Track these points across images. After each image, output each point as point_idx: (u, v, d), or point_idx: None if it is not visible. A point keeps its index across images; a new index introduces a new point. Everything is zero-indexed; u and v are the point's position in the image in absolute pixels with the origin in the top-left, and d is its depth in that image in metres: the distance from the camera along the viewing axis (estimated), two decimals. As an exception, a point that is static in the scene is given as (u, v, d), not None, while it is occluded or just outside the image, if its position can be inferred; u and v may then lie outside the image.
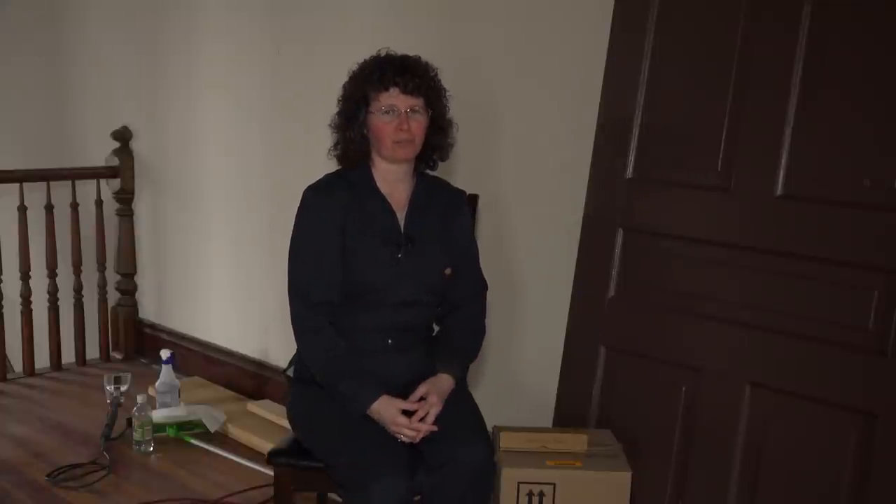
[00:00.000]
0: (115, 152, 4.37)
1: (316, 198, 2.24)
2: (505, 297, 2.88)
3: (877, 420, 2.13)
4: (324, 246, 2.20)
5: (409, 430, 2.11)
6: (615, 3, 2.58)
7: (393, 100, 2.17)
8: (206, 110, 4.02)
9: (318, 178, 2.30)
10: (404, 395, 2.21)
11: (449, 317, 2.34)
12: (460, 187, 2.41)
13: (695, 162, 2.43)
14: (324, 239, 2.21)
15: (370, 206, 2.24)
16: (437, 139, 2.27)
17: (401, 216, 2.26)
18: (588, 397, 2.61)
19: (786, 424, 2.27)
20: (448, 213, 2.32)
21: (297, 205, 2.26)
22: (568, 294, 2.68)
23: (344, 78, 2.26)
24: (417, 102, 2.19)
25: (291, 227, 2.27)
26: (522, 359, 2.91)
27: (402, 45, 2.27)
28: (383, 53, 2.23)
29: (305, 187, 2.27)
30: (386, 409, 2.13)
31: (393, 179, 2.27)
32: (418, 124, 2.20)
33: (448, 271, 2.28)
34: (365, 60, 2.24)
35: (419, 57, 2.24)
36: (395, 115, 2.17)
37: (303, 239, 2.25)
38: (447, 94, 2.27)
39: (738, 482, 2.34)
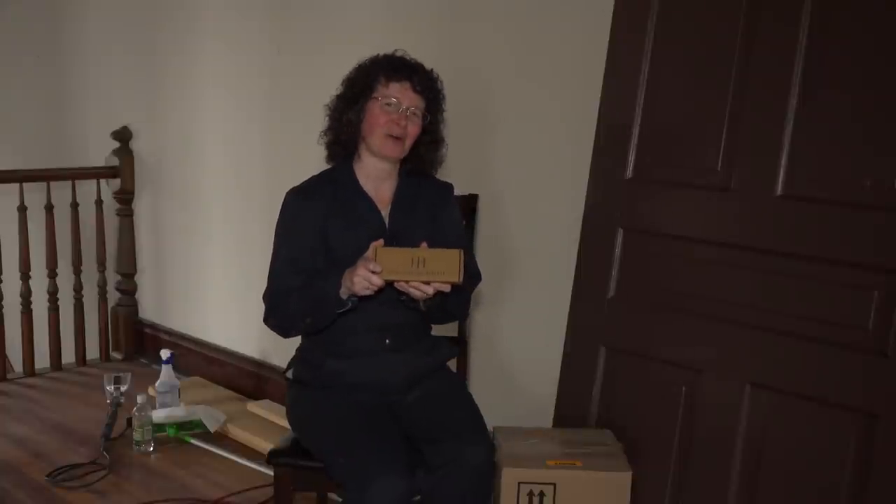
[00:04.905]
0: (115, 152, 4.38)
1: (294, 201, 2.24)
2: (505, 296, 2.88)
3: (877, 420, 2.13)
4: (300, 249, 2.20)
5: (373, 277, 2.00)
6: (615, 3, 2.58)
7: (398, 94, 2.18)
8: (206, 110, 4.02)
9: (302, 181, 2.29)
10: (402, 396, 2.22)
11: None
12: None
13: (695, 162, 2.43)
14: (300, 242, 2.20)
15: (354, 205, 2.24)
16: (429, 153, 2.27)
17: (385, 213, 2.26)
18: (588, 397, 2.61)
19: (786, 424, 2.27)
20: (435, 206, 2.32)
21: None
22: (568, 294, 2.68)
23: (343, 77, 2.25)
24: (420, 104, 2.20)
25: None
26: (522, 359, 2.91)
27: (402, 46, 2.27)
28: (398, 54, 2.25)
29: (287, 190, 2.27)
30: (349, 273, 2.05)
31: (377, 177, 2.26)
32: (414, 126, 2.21)
33: None
34: (378, 54, 2.25)
35: (432, 69, 2.27)
36: (396, 109, 2.18)
37: (280, 243, 2.25)
38: (445, 109, 2.28)
39: (738, 482, 2.33)
